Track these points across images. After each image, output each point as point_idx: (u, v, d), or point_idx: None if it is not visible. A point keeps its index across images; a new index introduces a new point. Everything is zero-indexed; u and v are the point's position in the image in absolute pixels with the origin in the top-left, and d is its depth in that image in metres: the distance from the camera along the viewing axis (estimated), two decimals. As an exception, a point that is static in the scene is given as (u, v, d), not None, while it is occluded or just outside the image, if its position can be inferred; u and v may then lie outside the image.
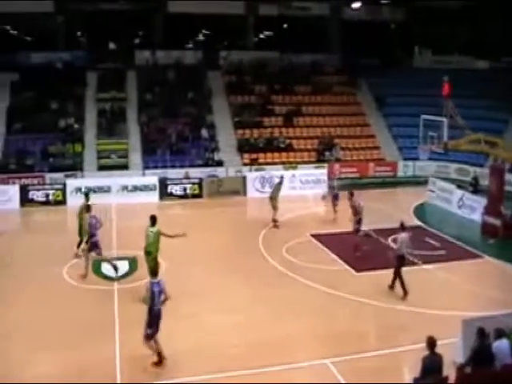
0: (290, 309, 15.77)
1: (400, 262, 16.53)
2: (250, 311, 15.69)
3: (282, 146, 34.32)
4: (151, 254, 16.71)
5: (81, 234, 20.01)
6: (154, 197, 29.06)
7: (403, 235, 16.71)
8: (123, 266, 19.06)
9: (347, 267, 19.04)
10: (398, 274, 16.51)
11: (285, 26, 48.36)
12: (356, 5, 41.00)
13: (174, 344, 13.59)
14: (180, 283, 17.53)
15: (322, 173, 31.32)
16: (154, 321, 12.72)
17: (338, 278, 18.17)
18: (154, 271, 13.36)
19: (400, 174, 34.47)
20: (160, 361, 12.79)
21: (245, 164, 32.89)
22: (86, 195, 21.08)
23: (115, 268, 18.19)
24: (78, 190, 27.87)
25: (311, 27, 43.72)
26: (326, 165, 32.58)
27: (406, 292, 16.30)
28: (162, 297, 12.79)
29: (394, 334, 14.29)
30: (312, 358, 13.06)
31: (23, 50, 39.88)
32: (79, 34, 50.06)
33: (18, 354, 13.46)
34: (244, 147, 33.99)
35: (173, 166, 31.73)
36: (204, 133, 34.28)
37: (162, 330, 14.24)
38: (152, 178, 29.77)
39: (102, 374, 12.49)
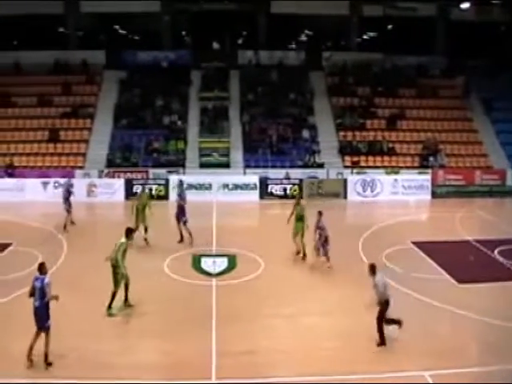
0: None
1: (385, 307, 13.67)
2: (345, 316, 15.25)
3: (385, 149, 33.48)
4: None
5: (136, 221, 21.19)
6: (254, 196, 29.32)
7: (379, 278, 13.68)
8: (222, 263, 19.26)
9: (449, 277, 18.16)
10: (381, 321, 13.69)
11: (389, 26, 47.19)
12: (465, 5, 39.41)
13: (269, 343, 13.54)
14: (277, 283, 17.51)
15: (425, 179, 30.50)
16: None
17: (439, 288, 17.38)
18: (39, 266, 12.60)
19: (509, 183, 32.59)
20: (30, 360, 12.35)
21: (346, 167, 32.33)
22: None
23: None
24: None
25: (417, 28, 42.45)
26: (429, 171, 31.57)
27: (382, 342, 13.63)
28: (47, 297, 12.30)
29: (496, 351, 13.35)
30: (409, 368, 12.49)
31: (131, 48, 41.09)
32: (184, 33, 50.96)
33: (120, 337, 13.96)
34: (345, 150, 33.45)
35: (273, 166, 31.75)
36: (305, 134, 34.06)
37: (256, 330, 14.33)
38: (253, 177, 30.02)
39: (197, 368, 12.54)
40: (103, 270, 16.42)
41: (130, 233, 15.83)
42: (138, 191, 22.96)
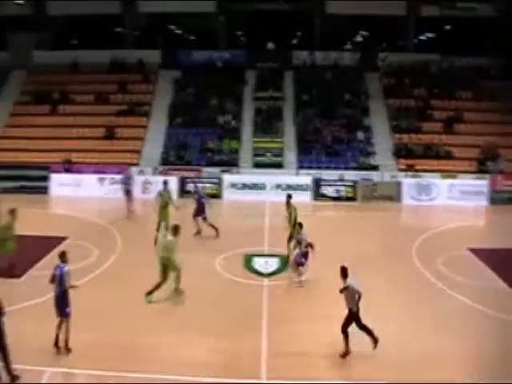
0: (437, 324, 14.80)
1: (353, 317, 13.13)
2: (393, 322, 14.95)
3: (441, 153, 32.74)
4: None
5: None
6: (306, 197, 29.15)
7: (350, 282, 13.22)
8: (274, 263, 19.23)
9: (506, 286, 17.58)
10: (346, 331, 13.10)
11: (447, 27, 46.33)
12: (527, 4, 38.20)
13: (319, 346, 13.46)
14: (329, 285, 17.13)
15: (483, 184, 29.75)
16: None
17: (495, 296, 16.83)
18: (60, 254, 13.08)
19: None
20: (56, 344, 12.89)
21: (400, 170, 31.71)
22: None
23: None
24: (234, 185, 28.74)
25: (475, 29, 41.50)
26: (487, 176, 30.72)
27: (347, 352, 13.10)
28: (65, 285, 12.72)
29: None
30: (460, 378, 12.09)
31: (186, 48, 41.45)
32: (239, 33, 51.24)
33: (171, 334, 14.03)
34: (401, 152, 32.87)
35: (327, 168, 31.43)
36: (360, 135, 33.66)
37: (307, 331, 14.25)
38: (306, 178, 29.88)
39: (247, 367, 12.59)
40: (156, 266, 16.60)
41: (176, 230, 16.22)
42: (159, 189, 23.04)
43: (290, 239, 19.55)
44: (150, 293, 15.71)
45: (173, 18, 46.09)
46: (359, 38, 52.48)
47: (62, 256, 13.02)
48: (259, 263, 19.21)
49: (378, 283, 17.52)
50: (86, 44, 41.91)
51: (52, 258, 19.30)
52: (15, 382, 11.42)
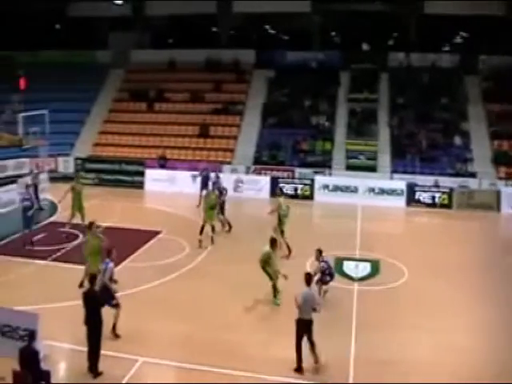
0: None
1: (306, 327, 12.53)
2: (482, 333, 14.55)
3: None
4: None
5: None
6: (400, 202, 28.40)
7: (307, 292, 12.61)
8: (365, 268, 18.94)
9: None
10: (309, 340, 12.58)
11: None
12: None
13: (408, 355, 13.20)
14: (420, 294, 16.96)
15: None
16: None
17: None
18: (108, 252, 14.13)
19: None
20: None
21: (500, 178, 30.38)
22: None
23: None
24: (326, 187, 28.51)
25: None
26: None
27: (301, 368, 12.52)
28: (107, 276, 13.61)
29: None
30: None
31: (280, 48, 41.51)
32: (333, 34, 50.79)
33: (259, 332, 14.22)
34: (500, 159, 31.45)
35: (422, 173, 30.47)
36: (457, 141, 32.52)
37: (396, 339, 13.94)
38: (400, 183, 29.11)
39: (334, 371, 12.49)
40: (244, 265, 16.73)
41: (273, 243, 16.25)
42: (207, 190, 23.13)
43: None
44: (274, 297, 16.00)
45: (267, 18, 46.24)
46: (458, 40, 50.85)
47: (109, 253, 14.11)
48: (349, 267, 18.99)
49: (472, 295, 17.09)
50: (182, 43, 42.76)
51: (146, 250, 20.02)
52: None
